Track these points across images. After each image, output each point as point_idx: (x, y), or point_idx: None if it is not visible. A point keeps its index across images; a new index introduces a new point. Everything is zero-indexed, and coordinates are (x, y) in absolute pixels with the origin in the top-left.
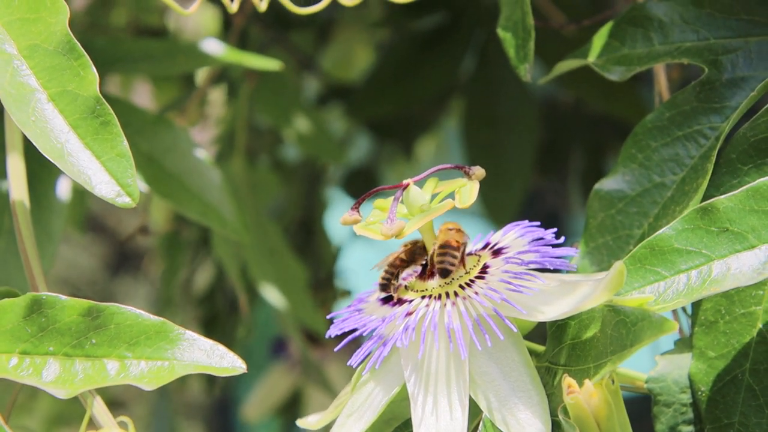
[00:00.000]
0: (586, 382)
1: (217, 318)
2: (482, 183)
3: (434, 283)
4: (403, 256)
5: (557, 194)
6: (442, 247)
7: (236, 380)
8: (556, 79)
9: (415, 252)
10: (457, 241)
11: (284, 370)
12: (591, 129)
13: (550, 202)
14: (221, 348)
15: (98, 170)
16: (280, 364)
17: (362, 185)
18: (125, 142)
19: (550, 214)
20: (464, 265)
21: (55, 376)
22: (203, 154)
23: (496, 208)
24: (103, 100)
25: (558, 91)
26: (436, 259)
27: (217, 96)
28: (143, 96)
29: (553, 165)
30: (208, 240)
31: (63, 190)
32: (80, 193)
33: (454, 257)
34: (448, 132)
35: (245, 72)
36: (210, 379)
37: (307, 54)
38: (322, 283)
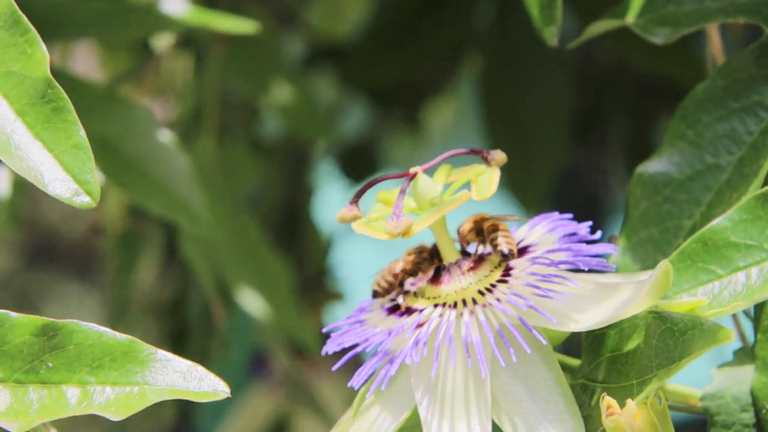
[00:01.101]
0: (629, 401)
1: (186, 331)
2: (504, 164)
3: (449, 289)
4: (407, 267)
5: (597, 171)
6: (493, 230)
7: (205, 405)
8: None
9: (420, 263)
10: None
11: (266, 391)
12: (637, 92)
13: (588, 182)
14: (200, 369)
15: (51, 165)
16: (261, 385)
17: (359, 165)
18: (82, 131)
19: (587, 196)
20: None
21: (5, 407)
22: (167, 136)
23: (522, 189)
24: (55, 82)
25: (597, 47)
26: (491, 243)
27: (181, 63)
28: (86, 62)
29: (592, 137)
30: (173, 236)
31: (1, 186)
32: (20, 187)
33: (509, 237)
34: (464, 98)
35: (215, 34)
36: (176, 405)
37: (289, 6)
38: (311, 284)
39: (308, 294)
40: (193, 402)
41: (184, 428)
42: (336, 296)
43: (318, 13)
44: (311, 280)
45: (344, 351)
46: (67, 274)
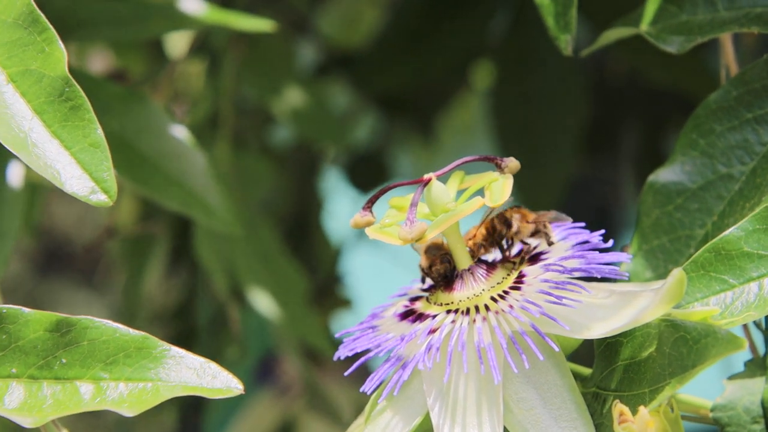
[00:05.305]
0: (641, 408)
1: (193, 336)
2: (517, 171)
3: (462, 295)
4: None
5: (607, 184)
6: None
7: (209, 414)
8: (607, 43)
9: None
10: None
11: (271, 398)
12: (649, 104)
13: (599, 194)
14: (213, 366)
15: (68, 163)
16: (267, 391)
17: (369, 174)
18: (99, 130)
19: (598, 209)
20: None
21: (19, 402)
22: (183, 133)
23: (533, 200)
24: (73, 80)
25: (609, 58)
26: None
27: (195, 68)
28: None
29: (603, 148)
30: (182, 241)
31: (15, 176)
32: (33, 187)
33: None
34: (475, 107)
35: (230, 39)
36: (179, 411)
37: (303, 16)
38: (320, 291)
39: (317, 301)
40: (197, 408)
41: None
42: (345, 304)
43: (332, 23)
44: (320, 287)
45: (357, 356)
46: (75, 281)
